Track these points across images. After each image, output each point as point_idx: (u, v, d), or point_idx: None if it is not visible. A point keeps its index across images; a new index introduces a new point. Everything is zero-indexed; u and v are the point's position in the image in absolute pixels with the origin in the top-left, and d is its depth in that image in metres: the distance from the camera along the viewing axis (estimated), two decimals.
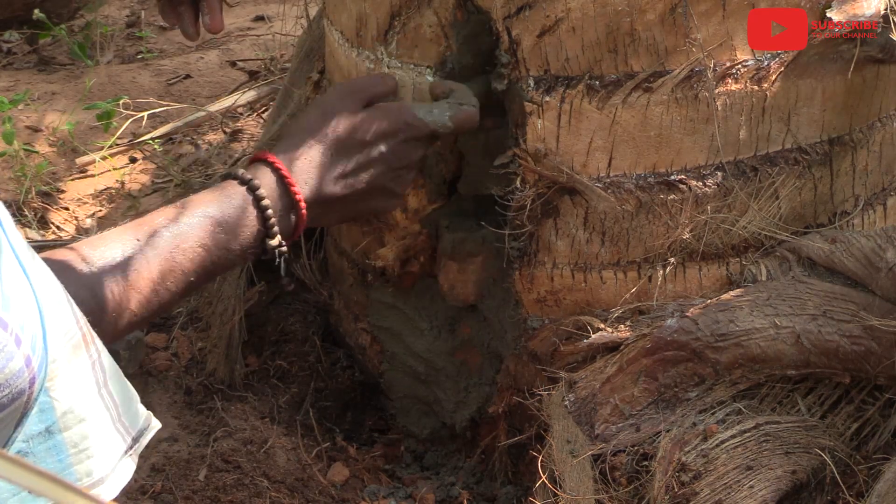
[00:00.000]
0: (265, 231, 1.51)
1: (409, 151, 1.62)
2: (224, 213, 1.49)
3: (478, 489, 1.81)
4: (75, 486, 0.63)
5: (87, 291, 1.33)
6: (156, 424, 1.10)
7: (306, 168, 1.56)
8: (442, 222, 1.76)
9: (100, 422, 1.02)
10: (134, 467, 1.05)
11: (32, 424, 0.96)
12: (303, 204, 1.54)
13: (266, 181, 1.52)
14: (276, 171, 1.54)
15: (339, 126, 1.58)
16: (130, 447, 1.06)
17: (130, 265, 1.40)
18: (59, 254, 1.37)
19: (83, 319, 1.01)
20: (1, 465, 0.61)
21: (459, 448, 1.88)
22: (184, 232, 1.45)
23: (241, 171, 1.52)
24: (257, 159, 1.56)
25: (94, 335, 1.03)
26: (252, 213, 1.50)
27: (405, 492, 1.82)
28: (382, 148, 1.59)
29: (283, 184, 1.53)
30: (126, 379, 1.09)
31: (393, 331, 1.88)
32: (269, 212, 1.51)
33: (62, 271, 1.14)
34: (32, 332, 0.93)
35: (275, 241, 1.52)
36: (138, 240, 1.42)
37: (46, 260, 1.02)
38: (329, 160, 1.57)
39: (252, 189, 1.51)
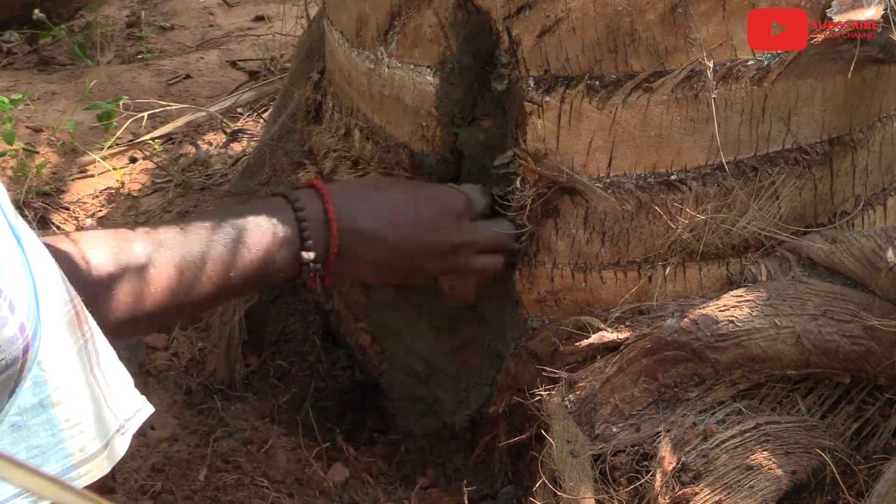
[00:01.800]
0: (299, 243, 1.55)
1: (458, 258, 1.67)
2: (257, 218, 1.54)
3: (478, 489, 1.81)
4: (48, 474, 0.63)
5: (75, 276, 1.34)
6: (148, 408, 1.10)
7: (350, 198, 1.62)
8: None
9: (91, 399, 1.01)
10: (126, 447, 1.05)
11: (26, 397, 0.95)
12: (334, 223, 1.58)
13: (309, 202, 1.59)
14: (319, 195, 1.59)
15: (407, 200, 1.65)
16: (122, 426, 1.05)
17: (139, 260, 1.43)
18: (56, 240, 1.39)
19: (77, 298, 1.01)
20: None
21: (459, 448, 1.88)
22: (210, 238, 1.50)
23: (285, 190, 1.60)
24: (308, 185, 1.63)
25: (88, 314, 1.02)
26: (287, 220, 1.56)
27: (405, 492, 1.82)
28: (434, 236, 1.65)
29: (322, 203, 1.59)
30: (120, 361, 1.08)
31: (393, 331, 1.88)
32: (304, 219, 1.56)
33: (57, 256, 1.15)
34: (27, 300, 0.93)
35: (310, 255, 1.56)
36: (152, 240, 1.46)
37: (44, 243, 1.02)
38: (377, 210, 1.63)
39: (291, 201, 1.57)
